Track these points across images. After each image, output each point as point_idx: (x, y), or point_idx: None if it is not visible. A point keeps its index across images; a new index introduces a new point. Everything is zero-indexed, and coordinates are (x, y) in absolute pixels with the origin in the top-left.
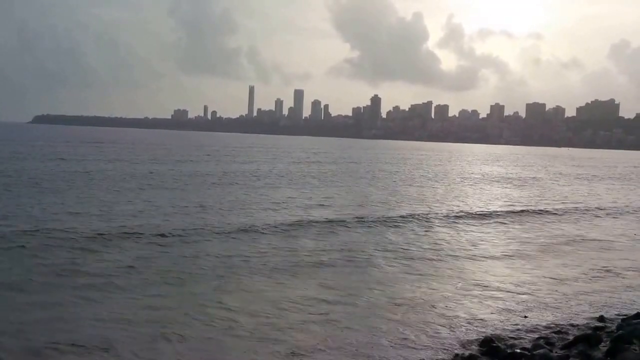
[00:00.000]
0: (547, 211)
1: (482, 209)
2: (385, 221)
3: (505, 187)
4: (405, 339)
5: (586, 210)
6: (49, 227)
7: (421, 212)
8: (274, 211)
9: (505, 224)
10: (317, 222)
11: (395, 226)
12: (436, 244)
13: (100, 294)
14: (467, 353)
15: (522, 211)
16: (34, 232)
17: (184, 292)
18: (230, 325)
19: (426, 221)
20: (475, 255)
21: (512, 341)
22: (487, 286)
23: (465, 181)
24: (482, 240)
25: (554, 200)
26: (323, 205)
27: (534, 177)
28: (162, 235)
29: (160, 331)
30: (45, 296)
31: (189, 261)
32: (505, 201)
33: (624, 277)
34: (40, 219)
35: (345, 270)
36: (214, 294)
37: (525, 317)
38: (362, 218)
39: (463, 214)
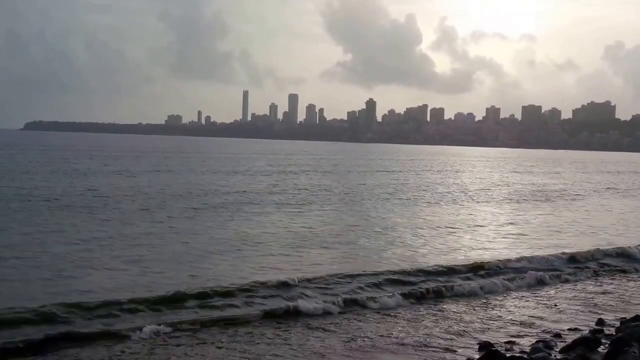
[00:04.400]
0: None
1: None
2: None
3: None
4: (402, 344)
5: None
6: None
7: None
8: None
9: None
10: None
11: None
12: None
13: None
14: (465, 358)
15: None
16: None
17: None
18: None
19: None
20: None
21: (510, 345)
22: (486, 295)
23: (500, 198)
24: None
25: None
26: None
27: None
28: None
29: None
30: None
31: None
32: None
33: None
34: None
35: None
36: None
37: (524, 320)
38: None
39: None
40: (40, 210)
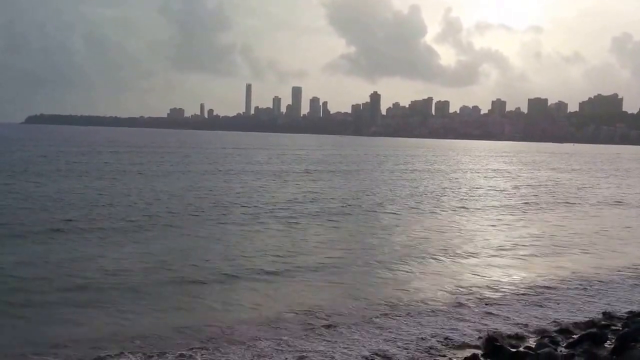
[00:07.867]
0: None
1: None
2: None
3: None
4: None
5: None
6: None
7: None
8: None
9: None
10: None
11: None
12: None
13: None
14: (469, 353)
15: None
16: None
17: None
18: None
19: None
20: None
21: (515, 340)
22: (489, 285)
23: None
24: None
25: None
26: None
27: None
28: None
29: None
30: None
31: None
32: None
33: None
34: None
35: None
36: None
37: (529, 315)
38: None
39: None
40: None
